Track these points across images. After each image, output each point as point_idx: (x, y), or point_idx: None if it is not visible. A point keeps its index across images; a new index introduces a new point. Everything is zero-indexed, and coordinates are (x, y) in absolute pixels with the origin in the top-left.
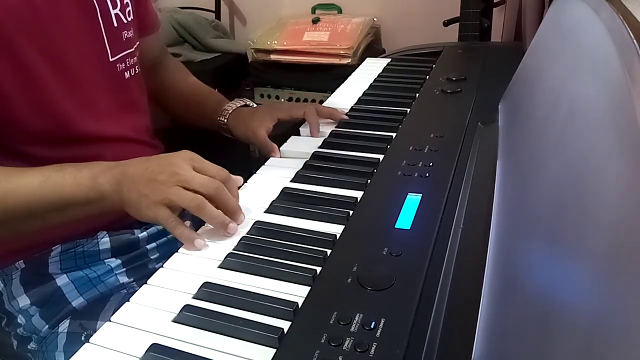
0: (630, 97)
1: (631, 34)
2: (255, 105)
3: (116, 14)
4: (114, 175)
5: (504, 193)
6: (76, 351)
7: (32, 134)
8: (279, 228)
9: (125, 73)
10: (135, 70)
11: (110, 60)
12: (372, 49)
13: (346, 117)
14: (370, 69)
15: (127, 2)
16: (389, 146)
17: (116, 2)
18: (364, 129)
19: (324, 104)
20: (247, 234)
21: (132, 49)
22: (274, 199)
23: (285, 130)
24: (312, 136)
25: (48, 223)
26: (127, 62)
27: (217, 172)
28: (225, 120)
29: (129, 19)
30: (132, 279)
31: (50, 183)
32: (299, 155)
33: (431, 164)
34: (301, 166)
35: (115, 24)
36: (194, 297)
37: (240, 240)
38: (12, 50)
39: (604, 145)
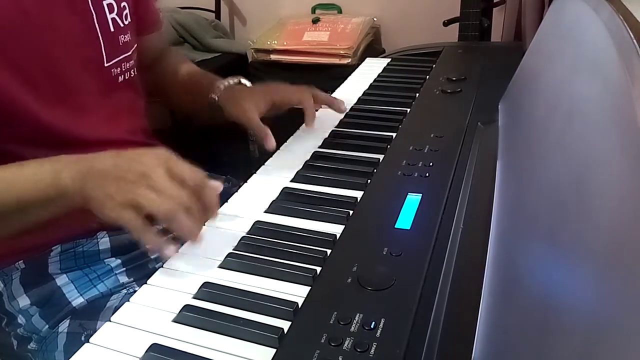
0: (630, 97)
1: (631, 34)
2: (249, 85)
3: (113, 19)
4: (78, 169)
5: (504, 193)
6: (76, 351)
7: (25, 137)
8: (279, 228)
9: (119, 77)
10: (130, 74)
11: (105, 65)
12: (372, 49)
13: (344, 107)
14: (370, 69)
15: (124, 5)
16: (389, 146)
17: (113, 6)
18: (364, 129)
19: None
20: (247, 234)
21: (129, 53)
22: (274, 199)
23: (281, 114)
24: (306, 126)
25: (11, 225)
26: (123, 67)
27: (190, 175)
28: (217, 98)
29: (126, 22)
30: (132, 279)
31: (10, 180)
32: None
33: (431, 164)
34: (301, 166)
35: (112, 29)
36: (194, 297)
37: (240, 240)
38: (4, 55)
39: (604, 145)
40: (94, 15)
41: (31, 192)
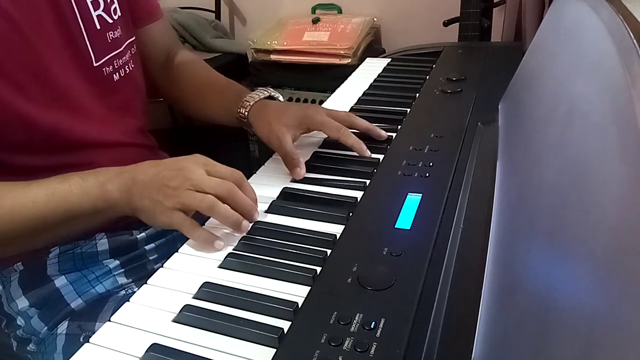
0: (630, 97)
1: (631, 34)
2: (281, 99)
3: (99, 16)
4: (122, 181)
5: (504, 193)
6: (75, 352)
7: (18, 144)
8: (279, 228)
9: (114, 75)
10: (126, 70)
11: (95, 65)
12: (372, 49)
13: (385, 133)
14: (370, 69)
15: (111, 0)
16: (389, 146)
17: (99, 3)
18: None
19: (324, 104)
20: (247, 234)
21: (120, 49)
22: (274, 199)
23: None
24: (360, 155)
25: (57, 235)
26: (115, 64)
27: (230, 174)
28: (246, 113)
29: (115, 18)
30: (130, 280)
31: (57, 196)
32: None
33: (431, 164)
34: None
35: (98, 27)
36: (194, 297)
37: (240, 240)
38: None
39: (604, 146)
40: (78, 14)
41: (78, 204)
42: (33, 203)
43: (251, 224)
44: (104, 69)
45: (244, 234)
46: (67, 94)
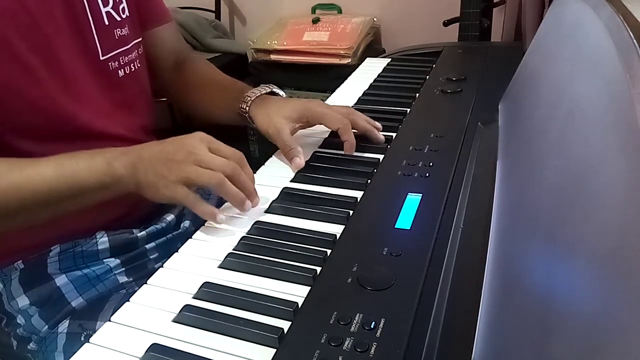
0: (630, 97)
1: (631, 33)
2: (283, 95)
3: (107, 12)
4: (129, 158)
5: (504, 193)
6: (75, 351)
7: (25, 129)
8: (279, 228)
9: (119, 71)
10: (131, 68)
11: (101, 58)
12: (372, 49)
13: (382, 137)
14: (370, 69)
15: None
16: (389, 146)
17: (107, 0)
18: None
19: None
20: (247, 234)
21: (128, 47)
22: (274, 199)
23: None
24: (344, 152)
25: (62, 210)
26: (121, 60)
27: (232, 153)
28: (247, 108)
29: (123, 16)
30: (131, 279)
31: (65, 171)
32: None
33: (431, 164)
34: None
35: (107, 22)
36: (194, 297)
37: (240, 240)
38: (6, 47)
39: (604, 145)
40: (87, 9)
41: (85, 179)
42: (41, 177)
43: (251, 206)
44: (109, 64)
45: (245, 234)
46: (74, 81)
